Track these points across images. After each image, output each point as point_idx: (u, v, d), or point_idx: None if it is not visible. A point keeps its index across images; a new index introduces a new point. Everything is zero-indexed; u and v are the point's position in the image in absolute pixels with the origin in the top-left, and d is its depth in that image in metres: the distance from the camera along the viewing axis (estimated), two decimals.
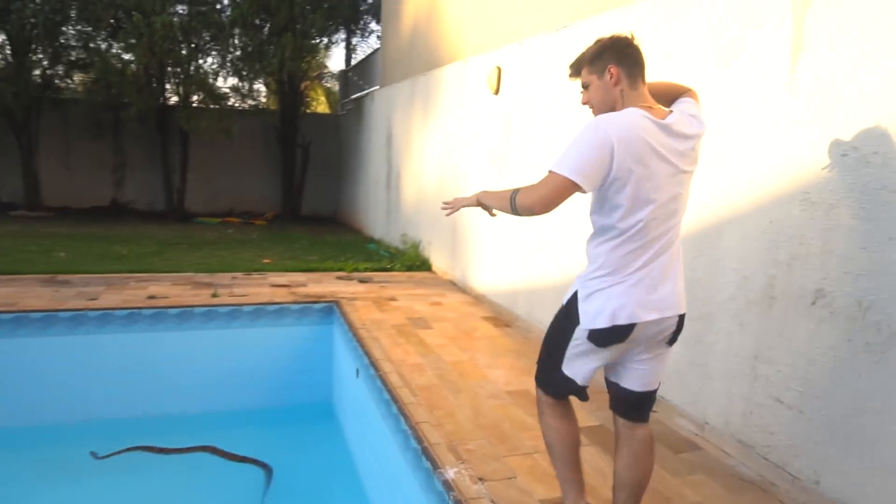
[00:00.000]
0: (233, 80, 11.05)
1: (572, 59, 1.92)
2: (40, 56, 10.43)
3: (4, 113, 10.66)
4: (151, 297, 5.09)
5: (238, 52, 10.57)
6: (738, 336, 2.79)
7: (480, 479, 2.47)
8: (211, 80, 10.71)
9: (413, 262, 7.23)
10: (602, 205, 1.83)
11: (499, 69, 5.25)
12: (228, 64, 10.95)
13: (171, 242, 8.53)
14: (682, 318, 1.92)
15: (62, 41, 10.50)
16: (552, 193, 1.74)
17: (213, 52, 10.81)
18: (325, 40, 12.52)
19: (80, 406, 4.57)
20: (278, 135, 12.60)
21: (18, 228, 9.14)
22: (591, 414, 3.19)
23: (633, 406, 2.00)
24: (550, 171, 1.74)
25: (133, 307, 4.76)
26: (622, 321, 1.82)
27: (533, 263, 4.65)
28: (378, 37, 12.11)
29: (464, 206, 2.08)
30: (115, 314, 4.69)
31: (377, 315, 4.93)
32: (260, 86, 11.47)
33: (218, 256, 7.45)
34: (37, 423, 4.45)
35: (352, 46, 14.25)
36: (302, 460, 4.38)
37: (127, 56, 10.09)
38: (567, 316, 1.95)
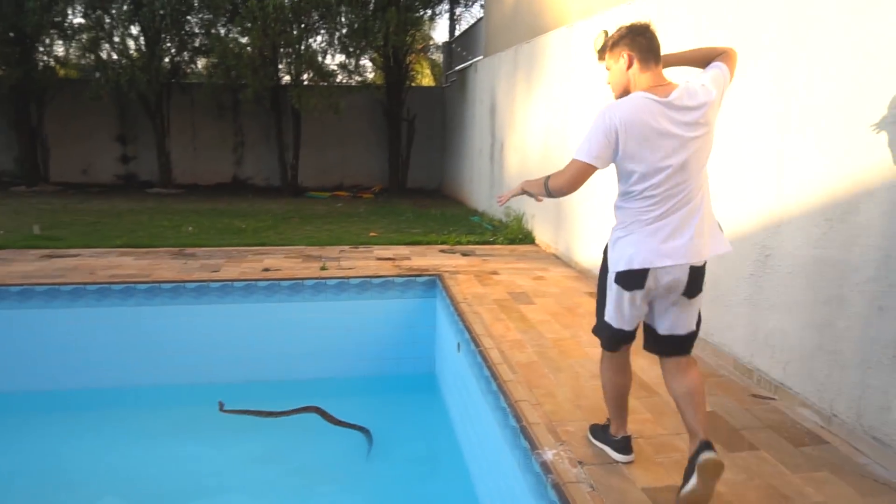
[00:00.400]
0: (340, 58, 11.32)
1: (614, 37, 2.20)
2: (168, 45, 11.20)
3: (140, 99, 11.64)
4: (266, 270, 5.38)
5: (345, 30, 10.80)
6: (876, 321, 2.49)
7: (580, 463, 2.41)
8: (320, 59, 11.04)
9: (516, 235, 7.15)
10: (620, 174, 2.17)
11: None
12: (336, 41, 11.23)
13: (285, 216, 9.00)
14: (696, 269, 2.13)
15: (187, 29, 11.21)
16: (575, 176, 2.14)
17: (322, 31, 11.12)
18: (429, 12, 12.48)
19: (204, 370, 4.95)
20: (384, 109, 12.83)
21: (154, 205, 10.00)
22: None
23: (670, 346, 2.25)
24: (573, 159, 2.12)
25: (250, 279, 5.06)
26: (636, 265, 2.11)
27: None
28: (481, 5, 11.90)
29: (513, 196, 2.43)
30: (234, 285, 5.01)
31: (479, 289, 4.93)
32: (366, 62, 11.67)
33: (327, 230, 7.76)
34: (164, 383, 4.90)
35: (455, 17, 14.14)
36: (405, 429, 4.50)
37: (243, 39, 10.61)
38: (603, 268, 2.29)
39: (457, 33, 13.82)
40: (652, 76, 2.14)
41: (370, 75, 13.22)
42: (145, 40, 11.03)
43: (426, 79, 16.93)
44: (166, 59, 11.40)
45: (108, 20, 10.71)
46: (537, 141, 6.89)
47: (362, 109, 13.39)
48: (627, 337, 2.30)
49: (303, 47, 10.80)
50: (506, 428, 2.88)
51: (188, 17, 10.90)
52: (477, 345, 3.67)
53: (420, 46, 14.92)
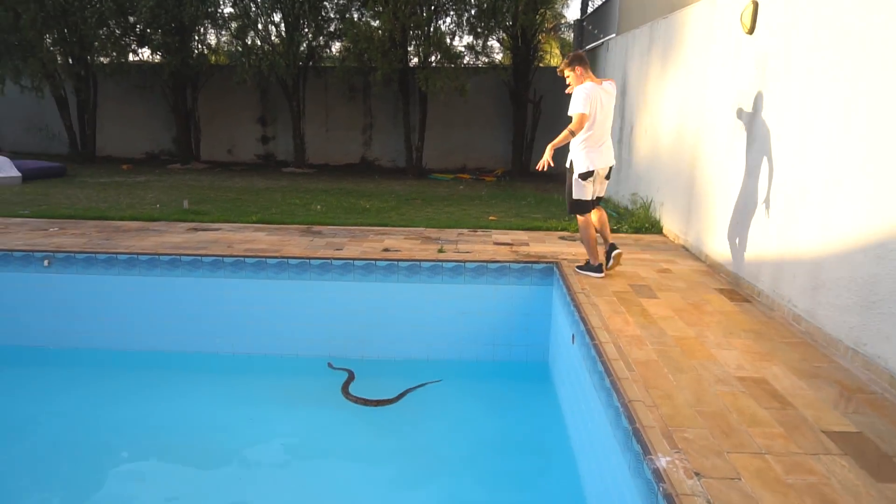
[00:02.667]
0: (468, 39, 11.32)
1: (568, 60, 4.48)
2: (305, 30, 11.79)
3: (279, 83, 12.40)
4: (386, 250, 5.53)
5: (473, 10, 10.77)
6: None
7: (696, 474, 2.25)
8: (448, 40, 11.12)
9: (642, 223, 6.81)
10: (587, 123, 4.37)
11: (755, 4, 4.54)
12: (464, 23, 11.25)
13: (408, 198, 9.21)
14: (611, 167, 4.71)
15: (323, 14, 11.74)
16: (581, 120, 4.30)
17: (451, 13, 11.17)
18: None
19: (320, 343, 5.23)
20: (510, 91, 12.70)
21: (287, 183, 10.66)
22: (845, 416, 2.70)
23: (597, 202, 4.72)
24: (577, 112, 4.30)
25: (370, 258, 5.23)
26: (591, 168, 4.53)
27: (785, 228, 4.03)
28: None
29: (548, 160, 4.42)
30: (354, 264, 5.21)
31: (598, 280, 4.75)
32: (493, 42, 11.59)
33: (447, 213, 7.85)
34: (279, 353, 5.23)
35: None
36: (514, 418, 4.47)
37: (375, 23, 10.93)
38: (570, 173, 4.63)
39: (590, 10, 13.32)
40: (590, 76, 4.47)
41: (498, 56, 13.14)
42: (285, 26, 11.69)
43: (556, 59, 16.51)
44: (304, 45, 12.02)
45: (253, 9, 11.46)
46: (670, 123, 6.48)
47: (488, 91, 13.37)
48: (591, 204, 4.70)
49: (431, 29, 10.92)
50: (618, 428, 2.76)
51: (325, 3, 11.38)
52: (592, 338, 3.54)
53: (550, 25, 14.57)
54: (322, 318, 5.24)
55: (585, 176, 4.55)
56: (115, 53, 11.72)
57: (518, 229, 6.73)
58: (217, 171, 12.32)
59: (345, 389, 4.62)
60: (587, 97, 4.28)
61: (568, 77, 4.49)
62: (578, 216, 4.72)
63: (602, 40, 10.35)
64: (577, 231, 6.70)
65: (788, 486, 2.20)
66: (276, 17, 11.60)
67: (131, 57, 12.41)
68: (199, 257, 5.30)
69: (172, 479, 3.70)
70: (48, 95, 12.54)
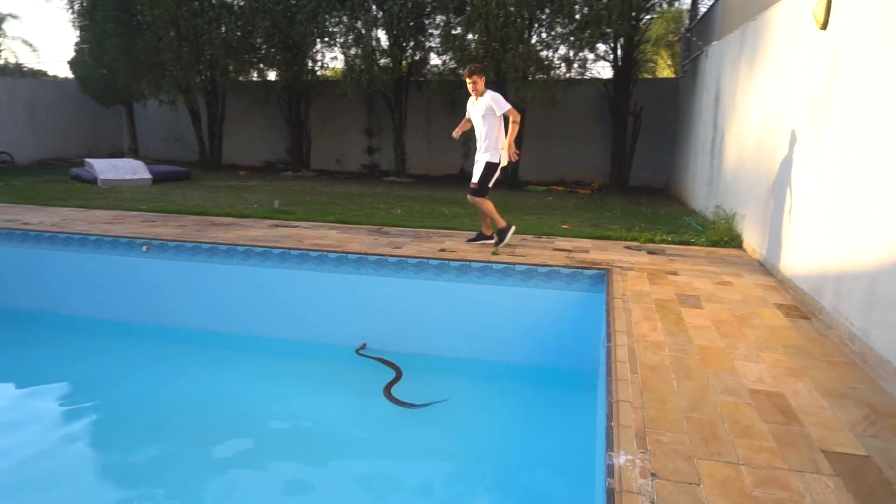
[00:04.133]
0: (563, 50, 11.21)
1: (472, 69, 5.33)
2: (405, 45, 12.26)
3: (383, 96, 12.98)
4: (442, 251, 5.64)
5: (566, 20, 10.67)
6: None
7: (652, 475, 2.13)
8: (543, 52, 11.09)
9: (721, 237, 6.40)
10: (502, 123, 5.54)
11: (828, 1, 4.18)
12: (561, 34, 11.17)
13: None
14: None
15: (423, 30, 12.15)
16: (516, 111, 5.42)
17: (545, 24, 11.14)
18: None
19: (373, 334, 5.42)
20: (609, 102, 12.40)
21: (383, 190, 11.10)
22: (859, 439, 2.42)
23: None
24: (510, 107, 5.40)
25: (423, 257, 5.36)
26: (504, 162, 5.66)
27: (846, 239, 3.66)
28: None
29: (515, 151, 5.52)
30: (408, 261, 5.36)
31: (644, 287, 4.55)
32: (590, 54, 11.39)
33: (521, 220, 7.80)
34: (327, 342, 5.47)
35: (698, 2, 13.02)
36: (554, 426, 4.37)
37: (470, 37, 11.15)
38: (491, 166, 5.64)
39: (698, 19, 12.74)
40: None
41: (598, 70, 12.89)
42: (388, 42, 12.24)
43: (665, 70, 15.90)
44: (405, 59, 12.50)
45: (359, 25, 12.12)
46: (754, 130, 6.07)
47: (588, 103, 13.15)
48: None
49: (524, 42, 10.96)
50: (602, 427, 2.66)
51: (424, 21, 11.79)
52: (609, 339, 3.42)
53: (653, 34, 14.07)
54: (375, 311, 5.44)
55: (499, 168, 5.68)
56: (235, 71, 12.84)
57: (586, 238, 6.58)
58: (322, 179, 13.09)
59: (387, 389, 4.71)
60: (503, 98, 5.38)
61: (475, 83, 5.34)
62: (483, 197, 5.73)
63: (702, 49, 9.87)
64: (646, 241, 6.46)
65: (751, 498, 2.02)
66: (380, 33, 12.16)
67: (252, 73, 13.54)
68: (270, 249, 5.69)
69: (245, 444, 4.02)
70: (182, 109, 13.99)
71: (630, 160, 12.66)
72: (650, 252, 5.85)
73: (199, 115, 14.18)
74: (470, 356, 5.24)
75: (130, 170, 10.64)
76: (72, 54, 14.36)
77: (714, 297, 4.33)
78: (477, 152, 5.81)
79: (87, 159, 11.16)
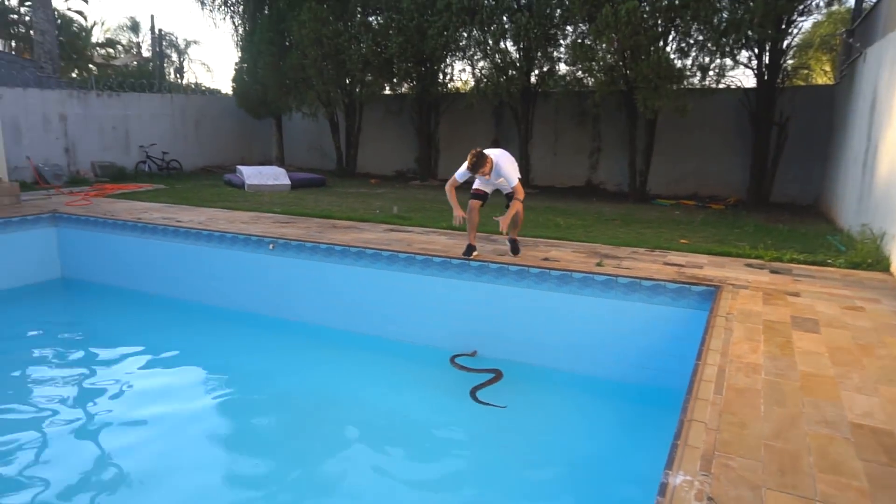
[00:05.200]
0: (699, 58, 10.62)
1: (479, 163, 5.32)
2: (531, 55, 12.27)
3: (510, 107, 13.08)
4: (545, 259, 5.60)
5: (708, 28, 10.11)
6: None
7: (709, 499, 1.98)
8: (675, 60, 10.59)
9: (864, 258, 5.72)
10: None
11: None
12: (698, 41, 10.60)
13: (608, 218, 9.02)
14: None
15: (551, 40, 12.10)
16: (521, 188, 5.51)
17: (681, 31, 10.63)
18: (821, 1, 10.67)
19: (471, 338, 5.51)
20: (751, 112, 11.54)
21: (501, 200, 11.15)
22: None
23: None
24: (517, 183, 5.49)
25: (525, 265, 5.35)
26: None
27: None
28: None
29: (506, 223, 5.49)
30: (509, 269, 5.39)
31: (756, 307, 4.20)
32: (730, 61, 10.68)
33: (637, 233, 7.54)
34: (432, 345, 5.62)
35: (863, 1, 11.74)
36: (649, 442, 4.17)
37: (598, 46, 10.93)
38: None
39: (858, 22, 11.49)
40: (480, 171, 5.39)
41: (738, 77, 12.05)
42: (516, 53, 12.32)
43: (822, 77, 14.51)
44: (533, 70, 12.51)
45: (487, 38, 12.33)
46: None
47: (725, 113, 12.33)
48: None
49: (658, 50, 10.53)
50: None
51: (553, 31, 11.73)
52: (699, 357, 3.21)
53: (811, 37, 12.88)
54: (475, 315, 5.55)
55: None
56: (371, 84, 13.58)
57: (704, 254, 6.19)
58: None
59: (474, 392, 4.76)
60: (512, 165, 5.53)
61: (483, 171, 5.38)
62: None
63: (861, 52, 8.89)
64: (771, 260, 5.95)
65: None
66: (509, 45, 12.27)
67: (386, 87, 14.25)
68: (380, 251, 5.97)
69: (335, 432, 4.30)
70: (323, 121, 15.03)
71: (772, 174, 11.68)
72: (773, 271, 5.38)
73: (338, 127, 15.14)
74: (566, 368, 5.16)
75: (273, 176, 11.59)
76: (233, 73, 15.98)
77: (836, 322, 3.89)
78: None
79: (239, 166, 12.31)
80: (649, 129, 12.08)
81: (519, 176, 5.53)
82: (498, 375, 5.02)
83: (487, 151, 5.43)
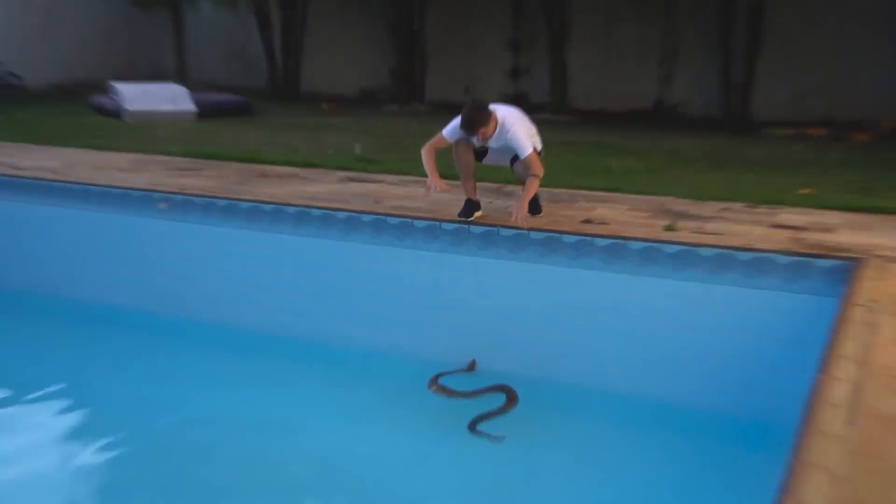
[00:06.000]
0: None
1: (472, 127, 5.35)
2: None
3: None
4: (586, 222, 5.58)
5: None
6: None
7: None
8: None
9: None
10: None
11: None
12: None
13: (689, 158, 9.12)
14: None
15: None
16: (537, 159, 5.52)
17: None
18: None
19: (459, 345, 5.57)
20: None
21: None
22: None
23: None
24: (529, 154, 5.43)
25: (555, 230, 5.32)
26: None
27: None
28: None
29: (525, 212, 5.38)
30: (530, 236, 5.36)
31: None
32: None
33: (734, 180, 7.63)
34: (394, 351, 5.72)
35: None
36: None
37: None
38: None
39: None
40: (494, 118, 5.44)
41: None
42: None
43: None
44: None
45: None
46: None
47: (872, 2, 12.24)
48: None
49: None
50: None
51: None
52: (822, 369, 3.16)
53: None
54: (475, 308, 5.56)
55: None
56: None
57: (838, 209, 6.20)
58: (440, 115, 13.24)
59: (475, 424, 4.78)
60: (523, 129, 5.56)
61: (484, 133, 5.39)
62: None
63: None
64: None
65: None
66: None
67: None
68: (332, 212, 5.91)
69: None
70: (247, 13, 14.92)
71: None
72: None
73: (270, 23, 15.00)
74: (615, 388, 5.18)
75: (168, 98, 11.59)
76: None
77: None
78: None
79: (114, 83, 12.29)
80: (753, 20, 12.00)
81: (537, 146, 5.57)
82: (511, 398, 5.04)
83: (493, 107, 5.43)
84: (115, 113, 11.62)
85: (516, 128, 5.42)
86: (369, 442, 4.78)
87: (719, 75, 12.45)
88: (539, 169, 5.42)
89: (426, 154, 5.65)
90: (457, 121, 5.43)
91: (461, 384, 5.29)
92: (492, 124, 5.35)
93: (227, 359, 5.93)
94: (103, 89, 13.91)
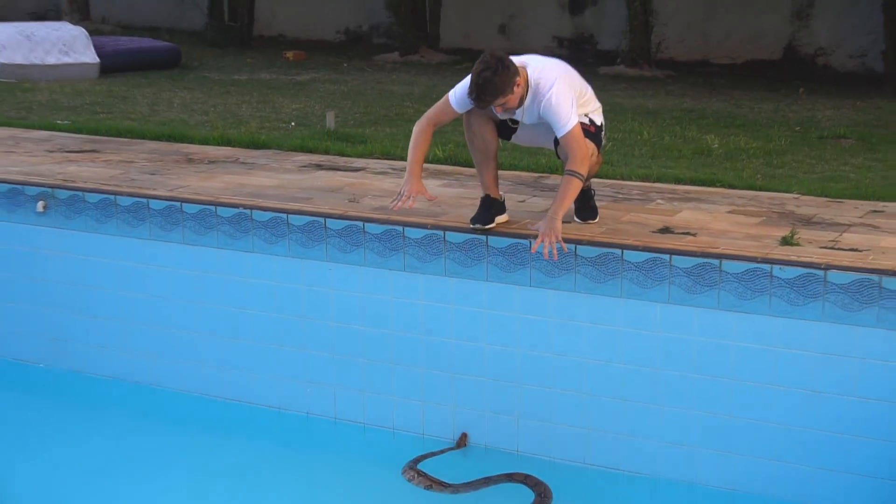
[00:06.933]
0: None
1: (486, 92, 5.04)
2: None
3: None
4: (664, 231, 5.64)
5: None
6: None
7: None
8: None
9: None
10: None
11: None
12: None
13: (829, 134, 9.10)
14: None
15: None
16: (584, 142, 5.28)
17: None
18: None
19: (444, 415, 5.73)
20: None
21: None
22: None
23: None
24: (569, 132, 5.16)
25: (611, 242, 5.37)
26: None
27: None
28: None
29: (559, 234, 5.02)
30: (579, 253, 5.34)
31: None
32: None
33: (892, 168, 7.66)
34: (335, 417, 5.92)
35: None
36: None
37: None
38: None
39: None
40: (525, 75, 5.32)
41: None
42: None
43: None
44: None
45: None
46: None
47: None
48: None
49: None
50: None
51: None
52: None
53: None
54: (485, 358, 5.68)
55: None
56: None
57: None
58: (461, 69, 13.33)
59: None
60: (567, 92, 5.32)
61: (504, 104, 5.19)
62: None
63: None
64: None
65: None
66: None
67: None
68: (284, 215, 5.96)
69: None
70: None
71: None
72: None
73: None
74: (686, 476, 5.31)
75: (58, 46, 11.61)
76: None
77: None
78: None
79: None
80: None
81: (595, 119, 5.62)
82: (542, 494, 5.08)
83: (522, 61, 5.33)
84: None
85: (555, 91, 5.15)
86: None
87: (883, 7, 12.38)
88: (583, 159, 5.15)
89: (418, 134, 5.55)
90: (461, 84, 5.27)
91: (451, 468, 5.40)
92: (517, 90, 5.10)
93: (139, 432, 6.16)
94: None
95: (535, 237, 5.02)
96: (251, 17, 15.51)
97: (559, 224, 4.96)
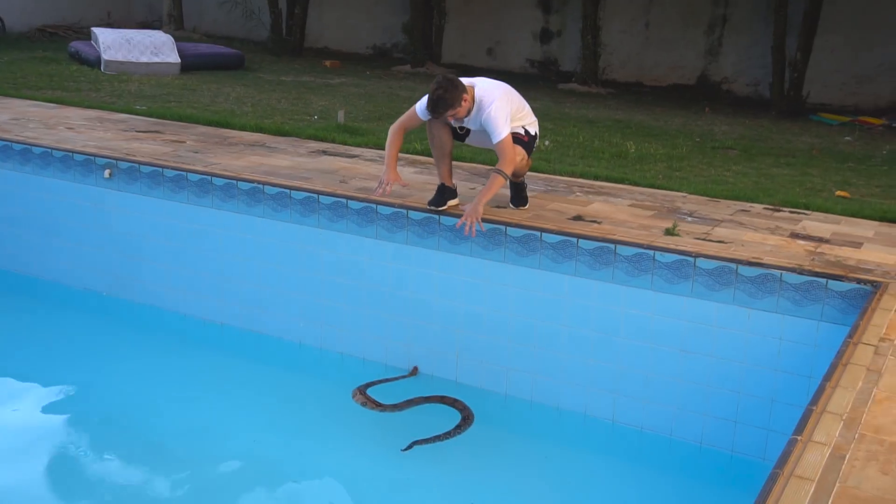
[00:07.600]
0: None
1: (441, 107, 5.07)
2: None
3: None
4: (576, 219, 5.41)
5: None
6: None
7: None
8: None
9: None
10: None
11: None
12: None
13: (720, 145, 8.93)
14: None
15: None
16: (513, 148, 5.20)
17: None
18: None
19: (416, 351, 5.60)
20: None
21: (543, 106, 10.70)
22: None
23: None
24: (501, 141, 5.13)
25: (537, 227, 5.17)
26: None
27: None
28: None
29: (479, 217, 5.05)
30: (507, 233, 5.26)
31: None
32: None
33: (762, 175, 7.50)
34: (330, 348, 5.78)
35: None
36: None
37: None
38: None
39: None
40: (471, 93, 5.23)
41: None
42: None
43: None
44: None
45: None
46: None
47: None
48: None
49: None
50: None
51: None
52: (799, 430, 2.87)
53: None
54: (432, 309, 5.56)
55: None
56: None
57: (875, 219, 5.99)
58: None
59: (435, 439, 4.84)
60: (504, 109, 5.24)
61: (455, 114, 5.18)
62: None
63: None
64: None
65: None
66: None
67: None
68: (287, 190, 5.74)
69: None
70: None
71: None
72: None
73: None
74: (589, 410, 5.26)
75: (149, 48, 11.40)
76: None
77: None
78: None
79: (95, 29, 12.08)
80: None
81: (529, 130, 5.50)
82: (466, 417, 5.02)
83: (471, 82, 5.27)
84: (93, 61, 11.45)
85: (494, 107, 5.14)
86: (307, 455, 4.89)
87: (774, 51, 12.07)
88: (510, 162, 5.14)
89: (392, 135, 5.45)
90: (424, 99, 5.21)
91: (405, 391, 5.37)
92: (465, 104, 5.09)
93: (171, 352, 6.06)
94: (85, 35, 13.78)
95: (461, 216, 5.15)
96: (303, 32, 15.35)
97: (481, 209, 5.06)
